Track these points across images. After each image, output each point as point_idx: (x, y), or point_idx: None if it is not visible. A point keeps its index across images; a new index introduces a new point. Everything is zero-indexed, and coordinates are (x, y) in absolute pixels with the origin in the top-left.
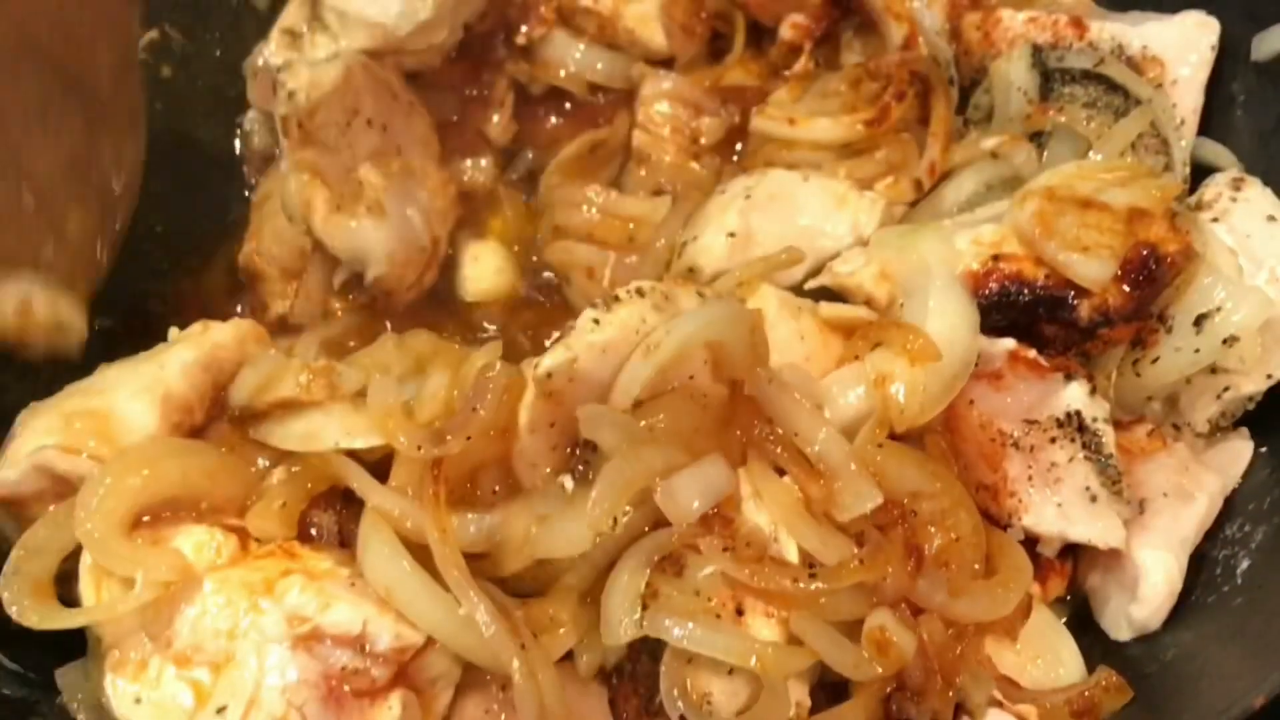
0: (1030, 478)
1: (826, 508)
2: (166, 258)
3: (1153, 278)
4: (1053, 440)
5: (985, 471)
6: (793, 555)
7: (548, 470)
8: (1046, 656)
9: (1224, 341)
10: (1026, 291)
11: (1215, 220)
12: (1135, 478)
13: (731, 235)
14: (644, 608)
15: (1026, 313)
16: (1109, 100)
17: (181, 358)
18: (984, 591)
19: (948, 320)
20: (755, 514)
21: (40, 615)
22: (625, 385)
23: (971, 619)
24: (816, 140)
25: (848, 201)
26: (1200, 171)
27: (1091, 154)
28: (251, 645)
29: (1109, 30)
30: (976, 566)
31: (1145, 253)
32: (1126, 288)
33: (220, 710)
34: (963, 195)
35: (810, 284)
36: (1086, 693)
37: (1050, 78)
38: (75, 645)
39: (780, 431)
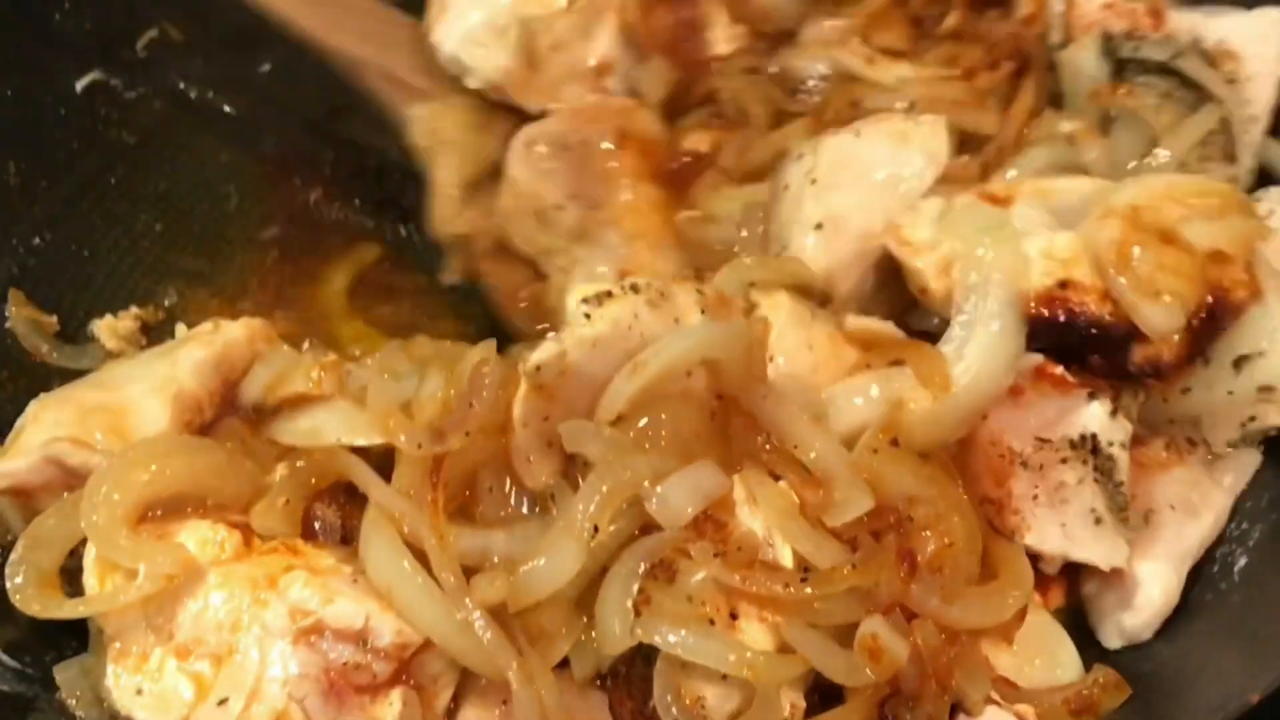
0: (1035, 496)
1: (819, 513)
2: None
3: (1217, 325)
4: (1064, 460)
5: (990, 486)
6: (787, 560)
7: (546, 469)
8: (1044, 657)
9: (1259, 389)
10: (1087, 327)
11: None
12: (1144, 488)
13: (819, 227)
14: (637, 614)
15: (1079, 341)
16: (1183, 95)
17: (194, 356)
18: (979, 598)
19: (989, 352)
20: (749, 519)
21: (43, 604)
22: (609, 402)
23: (965, 625)
24: (891, 84)
25: (909, 136)
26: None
27: (1159, 151)
28: (253, 638)
29: (1187, 22)
30: (972, 571)
31: (1214, 300)
32: (1188, 336)
33: (221, 702)
34: (1027, 171)
35: (877, 241)
36: (1084, 691)
37: (1124, 67)
38: (74, 642)
39: (776, 440)
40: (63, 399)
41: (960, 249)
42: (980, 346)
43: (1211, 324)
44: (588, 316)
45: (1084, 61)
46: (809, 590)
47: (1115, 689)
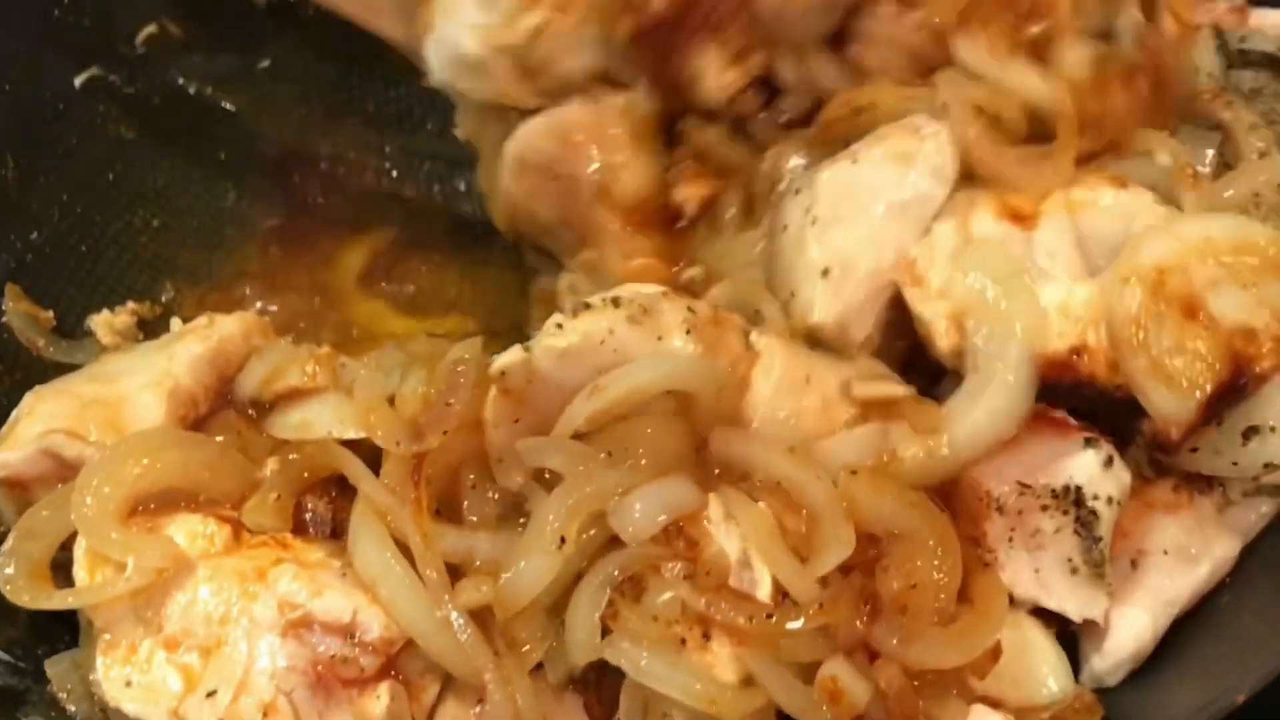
0: (1011, 539)
1: (798, 540)
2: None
3: (1236, 396)
4: (1044, 508)
5: (967, 524)
6: (765, 584)
7: (520, 471)
8: (1027, 675)
9: (1265, 465)
10: (1096, 398)
11: None
12: (1141, 528)
13: (826, 273)
14: (606, 629)
15: (1089, 404)
16: (1275, 88)
17: (190, 351)
18: (941, 640)
19: (996, 413)
20: (725, 538)
21: (32, 595)
22: (567, 419)
23: (924, 666)
24: (1015, 91)
25: (913, 155)
26: None
27: (1226, 192)
28: (242, 631)
29: (1272, 18)
30: (945, 609)
31: (1234, 373)
32: (1200, 409)
33: (210, 694)
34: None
35: (889, 277)
36: (1061, 713)
37: (1230, 61)
38: (66, 636)
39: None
40: (58, 391)
41: (976, 303)
42: (988, 410)
43: (1230, 395)
44: (559, 327)
45: (1202, 60)
46: (773, 625)
47: (1088, 712)
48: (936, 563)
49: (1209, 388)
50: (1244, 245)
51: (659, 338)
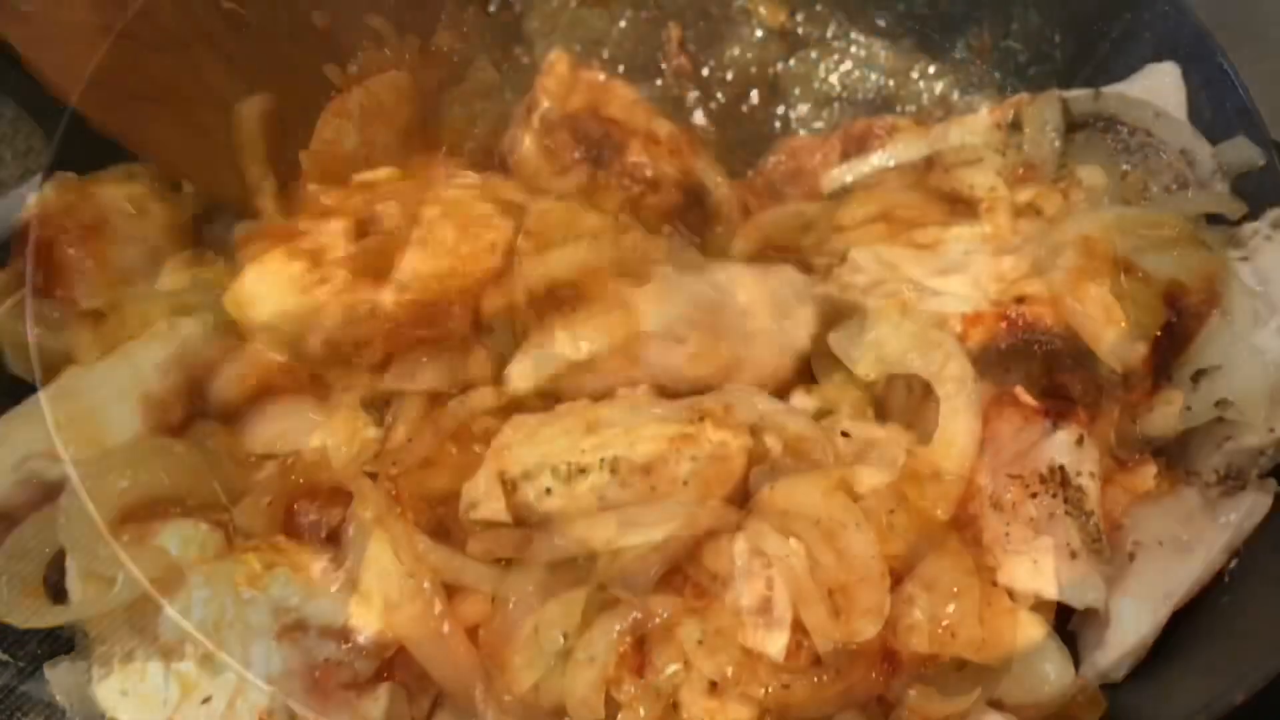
0: (1008, 534)
1: (831, 584)
2: None
3: (1178, 342)
4: (1034, 495)
5: (966, 526)
6: (783, 634)
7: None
8: (1027, 672)
9: (1216, 403)
10: (1050, 340)
11: (1244, 259)
12: (1134, 519)
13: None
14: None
15: (1044, 363)
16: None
17: (154, 357)
18: (957, 685)
19: (972, 406)
20: (743, 584)
21: (24, 613)
22: (537, 552)
23: (945, 714)
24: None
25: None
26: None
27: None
28: (237, 637)
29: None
30: (966, 649)
31: (1174, 320)
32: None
33: (205, 701)
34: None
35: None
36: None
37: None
38: (66, 636)
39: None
40: (26, 417)
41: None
42: (965, 419)
43: (1172, 341)
44: (549, 492)
45: (1049, 117)
46: (789, 694)
47: (1091, 705)
48: (962, 612)
49: (1155, 330)
50: (1153, 222)
51: (652, 488)
